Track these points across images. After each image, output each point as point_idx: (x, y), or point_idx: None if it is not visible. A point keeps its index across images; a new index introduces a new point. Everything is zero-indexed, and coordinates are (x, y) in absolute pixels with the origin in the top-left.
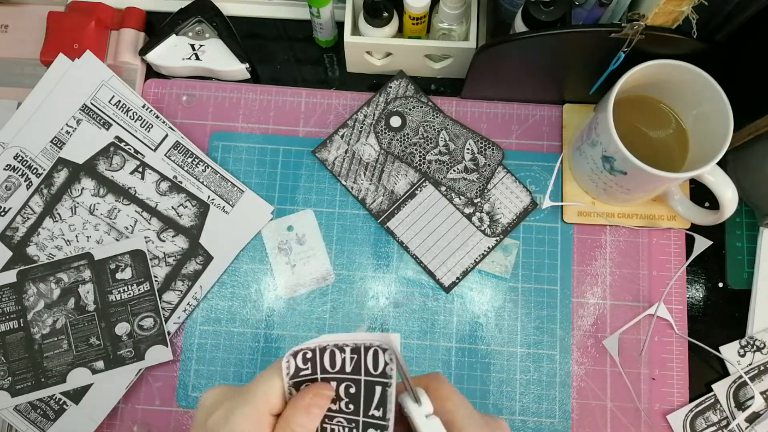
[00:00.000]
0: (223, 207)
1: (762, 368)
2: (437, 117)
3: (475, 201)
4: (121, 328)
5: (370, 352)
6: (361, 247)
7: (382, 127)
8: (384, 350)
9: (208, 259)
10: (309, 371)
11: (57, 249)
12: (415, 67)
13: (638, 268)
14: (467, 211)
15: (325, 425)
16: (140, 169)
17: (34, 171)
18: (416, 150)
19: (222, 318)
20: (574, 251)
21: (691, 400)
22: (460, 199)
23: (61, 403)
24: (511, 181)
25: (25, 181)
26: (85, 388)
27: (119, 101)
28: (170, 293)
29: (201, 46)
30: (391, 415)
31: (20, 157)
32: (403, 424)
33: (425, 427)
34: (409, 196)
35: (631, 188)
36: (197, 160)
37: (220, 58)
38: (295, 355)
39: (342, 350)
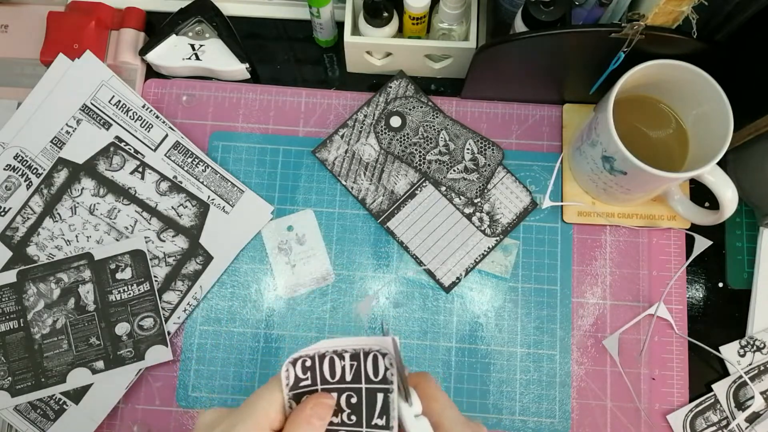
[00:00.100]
0: (223, 207)
1: (762, 368)
2: (437, 117)
3: (475, 201)
4: (121, 328)
5: (370, 358)
6: (361, 247)
7: (382, 127)
8: (383, 355)
9: (208, 259)
10: (309, 382)
11: (57, 249)
12: (415, 67)
13: (638, 268)
14: (467, 211)
15: None
16: (140, 169)
17: (34, 171)
18: (416, 150)
19: (222, 318)
20: (574, 251)
21: (691, 400)
22: (460, 199)
23: (61, 403)
24: (511, 181)
25: (25, 181)
26: (85, 388)
27: (119, 101)
28: (170, 293)
29: (201, 46)
30: (394, 422)
31: (20, 157)
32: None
33: (414, 427)
34: (409, 196)
35: (631, 188)
36: (197, 160)
37: (220, 58)
38: (294, 363)
39: (341, 357)
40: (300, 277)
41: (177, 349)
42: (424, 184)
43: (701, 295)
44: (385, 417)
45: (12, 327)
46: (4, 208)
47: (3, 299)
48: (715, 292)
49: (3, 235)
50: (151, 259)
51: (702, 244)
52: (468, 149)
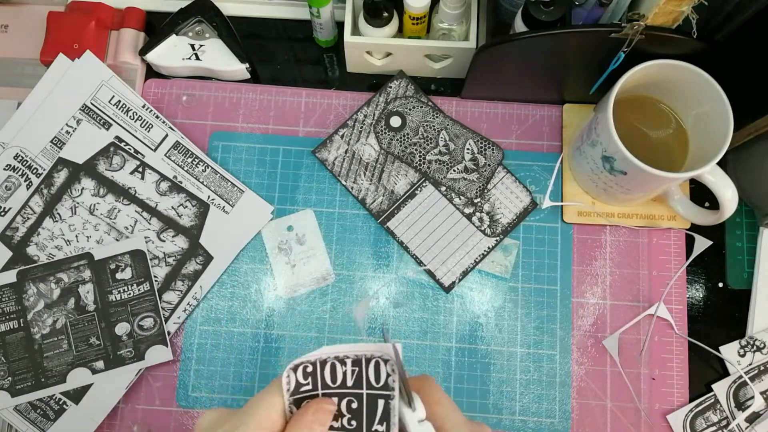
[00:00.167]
0: (223, 207)
1: (762, 368)
2: (437, 117)
3: (475, 201)
4: (121, 328)
5: (372, 364)
6: (361, 247)
7: (382, 127)
8: (385, 361)
9: (208, 259)
10: (310, 386)
11: (57, 249)
12: (415, 67)
13: (638, 268)
14: (467, 211)
15: None
16: (140, 169)
17: (34, 171)
18: (416, 150)
19: (222, 318)
20: (574, 251)
21: (691, 400)
22: (460, 199)
23: (61, 403)
24: (511, 181)
25: (25, 181)
26: (85, 388)
27: (119, 101)
28: (170, 293)
29: (201, 46)
30: (395, 429)
31: (20, 157)
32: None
33: None
34: (409, 196)
35: (631, 188)
36: (197, 160)
37: (220, 58)
38: (295, 369)
39: (343, 363)
40: (300, 277)
41: (177, 349)
42: (424, 184)
43: (701, 295)
44: (385, 423)
45: (12, 327)
46: (4, 208)
47: (3, 299)
48: (715, 292)
49: (3, 235)
50: (151, 259)
51: (702, 244)
52: (468, 149)
